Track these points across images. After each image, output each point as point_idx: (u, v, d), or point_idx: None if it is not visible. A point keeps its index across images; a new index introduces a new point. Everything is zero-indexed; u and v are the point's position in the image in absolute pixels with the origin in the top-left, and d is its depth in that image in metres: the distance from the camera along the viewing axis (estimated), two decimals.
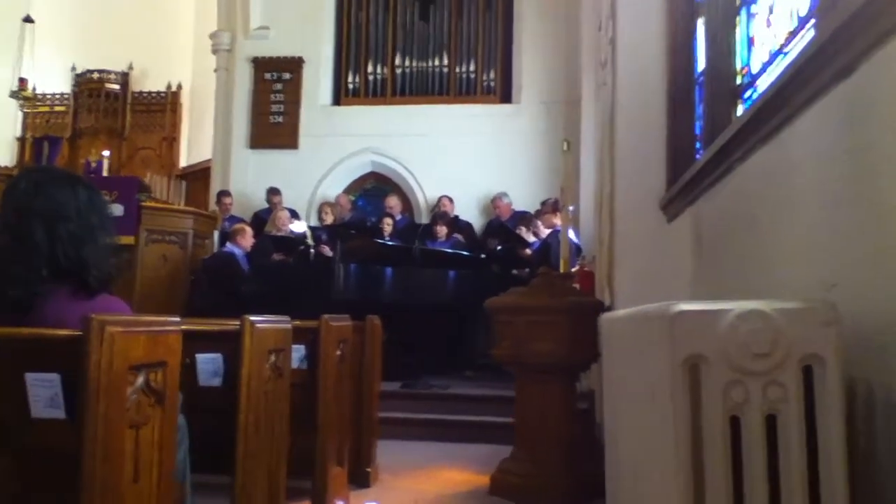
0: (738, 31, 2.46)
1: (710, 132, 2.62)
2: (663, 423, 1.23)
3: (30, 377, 1.80)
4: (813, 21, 1.68)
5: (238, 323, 2.69)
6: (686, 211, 2.81)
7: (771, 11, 2.14)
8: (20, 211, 1.95)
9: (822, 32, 1.47)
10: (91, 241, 2.00)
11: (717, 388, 1.12)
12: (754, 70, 2.32)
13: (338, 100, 9.78)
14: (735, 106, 2.49)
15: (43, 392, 1.81)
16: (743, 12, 2.44)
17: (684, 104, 3.19)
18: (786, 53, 2.00)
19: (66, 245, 1.95)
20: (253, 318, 2.68)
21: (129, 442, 1.86)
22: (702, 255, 2.58)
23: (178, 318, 2.07)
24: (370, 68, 9.62)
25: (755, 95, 2.31)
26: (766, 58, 2.19)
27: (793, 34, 1.93)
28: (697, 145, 3.11)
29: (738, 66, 2.47)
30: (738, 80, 2.48)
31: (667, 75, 3.34)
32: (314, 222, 8.39)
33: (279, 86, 9.64)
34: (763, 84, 2.23)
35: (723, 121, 2.52)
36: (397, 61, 9.57)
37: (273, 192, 8.74)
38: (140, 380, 1.89)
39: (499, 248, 7.61)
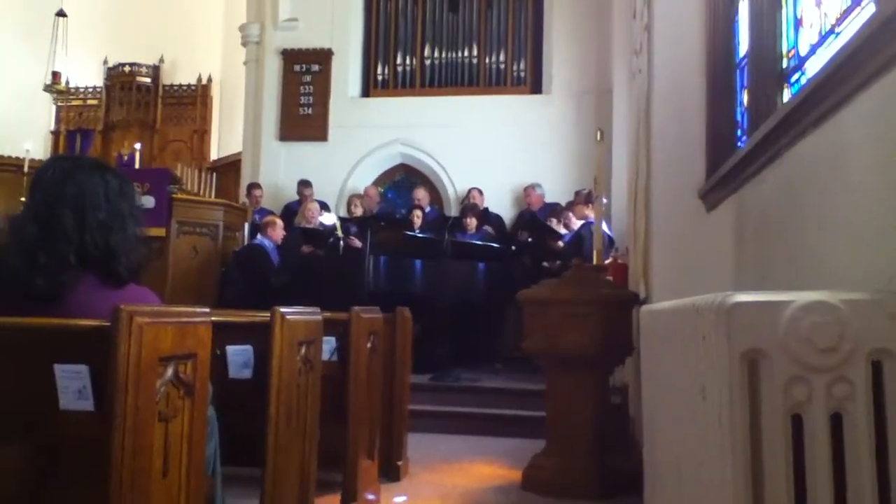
0: (783, 11, 2.36)
1: (753, 118, 2.53)
2: (716, 423, 1.16)
3: (58, 368, 1.78)
4: None
5: (268, 314, 2.66)
6: (728, 199, 2.71)
7: None
8: (49, 199, 1.92)
9: (883, 8, 1.38)
10: (120, 229, 1.97)
11: (777, 386, 1.04)
12: (802, 52, 2.22)
13: (367, 91, 9.74)
14: (781, 90, 2.39)
15: (72, 383, 1.79)
16: None
17: (725, 90, 3.09)
18: (838, 34, 1.90)
19: (95, 233, 1.92)
20: (283, 309, 2.64)
21: (158, 435, 1.83)
22: (745, 245, 2.49)
23: (207, 309, 2.03)
24: (399, 59, 9.57)
25: (803, 79, 2.21)
26: (815, 39, 2.09)
27: (846, 12, 1.84)
28: (738, 132, 3.01)
29: (785, 48, 2.37)
30: (784, 64, 2.39)
31: (706, 60, 3.23)
32: (343, 214, 8.36)
33: (308, 78, 9.62)
34: (812, 67, 2.13)
35: (767, 106, 2.42)
36: (426, 52, 9.50)
37: (304, 184, 8.71)
38: (169, 371, 1.86)
39: (529, 239, 7.52)
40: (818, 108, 1.71)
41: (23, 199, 10.00)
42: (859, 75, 1.48)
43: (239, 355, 2.77)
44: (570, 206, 7.46)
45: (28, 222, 1.93)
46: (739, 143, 2.95)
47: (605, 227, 6.05)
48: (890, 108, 1.40)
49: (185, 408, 1.95)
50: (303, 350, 2.79)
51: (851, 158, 1.56)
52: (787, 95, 2.36)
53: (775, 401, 1.04)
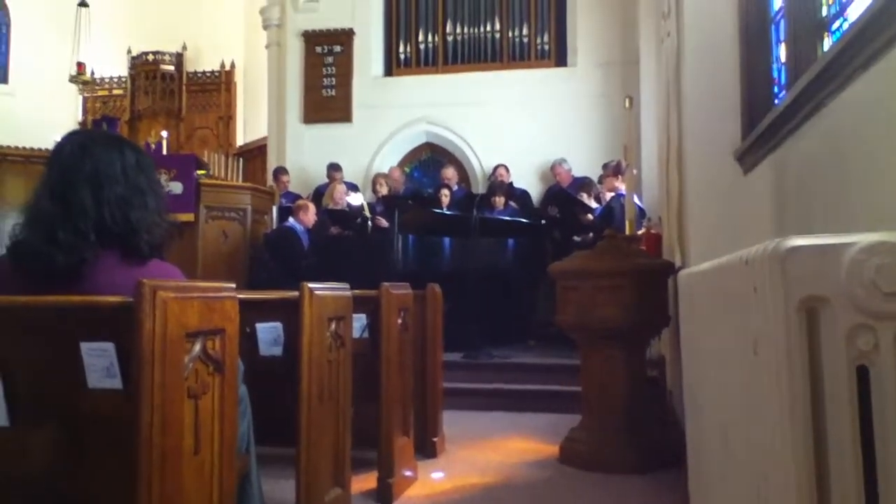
0: None
1: (793, 71, 2.42)
2: (771, 379, 1.09)
3: (84, 347, 1.74)
4: None
5: (296, 292, 2.62)
6: (766, 159, 2.61)
7: None
8: (66, 174, 1.87)
9: None
10: (140, 204, 1.92)
11: (840, 335, 0.96)
12: None
13: (390, 71, 9.65)
14: (821, 40, 2.28)
15: (98, 361, 1.76)
16: None
17: (759, 46, 2.97)
18: None
19: (114, 208, 1.87)
20: (312, 285, 2.60)
21: (188, 412, 1.80)
22: (786, 206, 2.39)
23: (233, 285, 1.99)
24: (421, 37, 9.46)
25: (845, 26, 2.10)
26: None
27: None
28: (775, 90, 2.90)
29: None
30: (824, 12, 2.28)
31: (738, 16, 3.11)
32: (370, 195, 8.31)
33: (330, 59, 9.55)
34: (854, 12, 2.02)
35: (807, 57, 2.31)
36: (448, 28, 9.39)
37: (334, 167, 8.67)
38: (197, 347, 1.82)
39: (557, 214, 7.41)
40: (867, 48, 1.61)
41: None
42: None
43: (268, 332, 2.73)
44: (600, 178, 7.34)
45: (45, 200, 1.88)
46: (776, 101, 2.84)
47: (635, 198, 5.94)
48: None
49: (214, 384, 1.91)
50: (333, 326, 2.75)
51: None
52: (827, 44, 2.25)
53: (838, 352, 0.96)
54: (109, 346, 1.75)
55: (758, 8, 2.97)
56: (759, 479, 1.21)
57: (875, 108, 1.64)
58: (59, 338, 1.74)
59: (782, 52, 2.75)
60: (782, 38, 2.74)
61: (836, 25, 2.20)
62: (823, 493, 0.98)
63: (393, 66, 9.62)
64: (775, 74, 2.89)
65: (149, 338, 1.65)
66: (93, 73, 11.83)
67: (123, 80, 12.54)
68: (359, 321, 3.38)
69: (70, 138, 1.95)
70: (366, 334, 3.49)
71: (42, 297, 1.75)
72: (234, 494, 2.02)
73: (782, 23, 2.72)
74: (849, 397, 0.96)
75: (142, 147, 2.04)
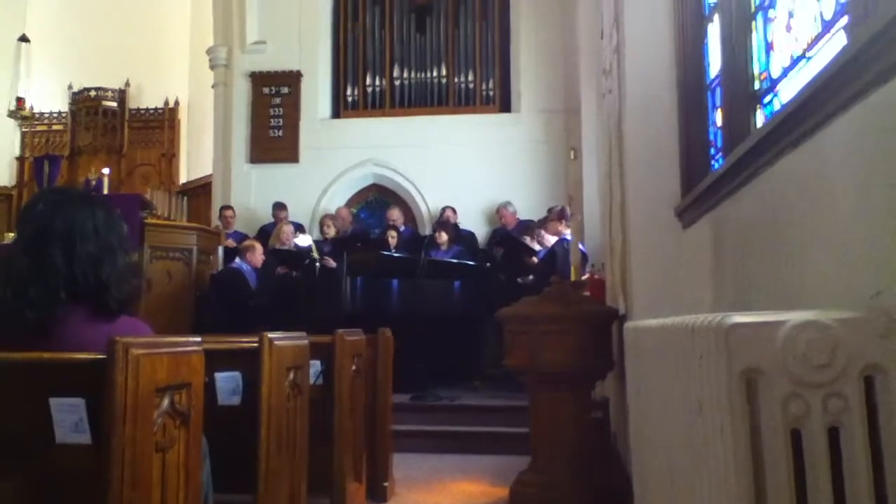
0: (754, 36, 2.44)
1: (728, 137, 2.61)
2: (714, 437, 1.21)
3: (54, 403, 1.77)
4: (845, 23, 1.66)
5: (255, 340, 2.67)
6: (704, 217, 2.79)
7: (791, 16, 2.12)
8: (38, 232, 1.92)
9: (856, 39, 1.45)
10: (110, 261, 1.97)
11: (775, 402, 1.09)
12: (774, 75, 2.31)
13: (337, 113, 9.78)
14: (754, 111, 2.47)
15: (68, 417, 1.79)
16: (759, 17, 2.43)
17: (697, 110, 3.18)
18: (809, 58, 1.98)
19: (85, 266, 1.92)
20: (271, 335, 2.65)
21: (156, 466, 1.84)
22: (723, 261, 2.56)
23: (199, 339, 2.04)
24: (368, 80, 9.63)
25: (776, 101, 2.29)
26: (787, 62, 2.17)
27: (817, 38, 1.92)
28: (712, 151, 3.10)
29: (757, 70, 2.46)
30: (757, 86, 2.47)
31: (677, 81, 3.32)
32: (317, 235, 8.36)
33: (278, 100, 9.64)
34: (785, 89, 2.21)
35: (741, 126, 2.50)
36: (395, 73, 9.58)
37: (279, 206, 8.72)
38: (165, 402, 1.87)
39: (501, 255, 7.57)
40: (795, 131, 1.77)
41: None
42: (836, 101, 1.55)
43: (227, 382, 2.76)
44: (543, 222, 7.53)
45: (18, 256, 1.93)
46: (713, 161, 3.04)
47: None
48: (867, 130, 1.46)
49: (180, 437, 1.96)
50: (291, 375, 2.79)
51: (831, 178, 1.62)
52: (760, 115, 2.44)
53: (774, 417, 1.09)
54: (79, 402, 1.78)
55: (695, 74, 3.18)
56: None
57: (805, 181, 1.81)
58: (29, 393, 1.77)
59: (718, 117, 2.95)
60: (718, 104, 2.94)
61: (767, 99, 2.39)
62: None
63: (340, 108, 9.76)
64: (712, 137, 3.09)
65: (121, 394, 1.69)
66: (32, 109, 11.64)
67: (64, 115, 12.37)
68: (313, 367, 3.42)
69: (43, 197, 2.00)
70: (319, 380, 3.53)
71: (13, 354, 1.78)
72: None
73: (718, 90, 2.92)
74: (785, 457, 1.08)
75: (112, 205, 2.09)
